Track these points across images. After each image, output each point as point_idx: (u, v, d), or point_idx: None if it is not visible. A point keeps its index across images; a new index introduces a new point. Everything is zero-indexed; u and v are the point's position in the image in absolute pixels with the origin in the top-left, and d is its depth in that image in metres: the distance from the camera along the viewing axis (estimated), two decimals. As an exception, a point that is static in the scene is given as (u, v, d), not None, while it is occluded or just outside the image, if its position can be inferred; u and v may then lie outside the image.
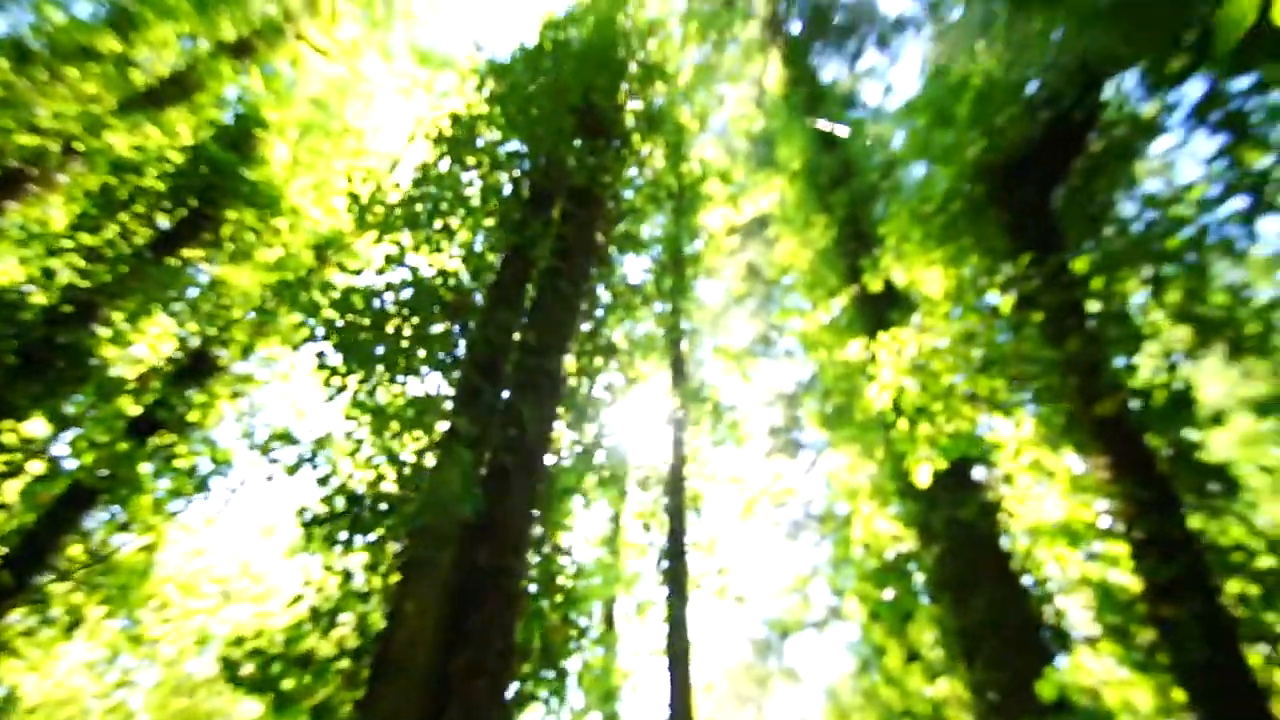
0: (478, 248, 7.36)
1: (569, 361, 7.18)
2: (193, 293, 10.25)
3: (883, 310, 7.91)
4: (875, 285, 7.10)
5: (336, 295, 5.54)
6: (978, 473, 7.69)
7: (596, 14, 10.03)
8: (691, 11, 12.64)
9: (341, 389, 6.36)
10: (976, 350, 4.95)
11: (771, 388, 16.44)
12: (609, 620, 10.21)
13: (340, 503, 4.85)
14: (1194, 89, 4.50)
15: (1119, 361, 4.41)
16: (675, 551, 8.83)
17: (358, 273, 5.94)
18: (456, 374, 6.62)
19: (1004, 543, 6.99)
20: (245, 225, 10.54)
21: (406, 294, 5.91)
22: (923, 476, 5.66)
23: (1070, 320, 4.55)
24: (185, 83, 13.00)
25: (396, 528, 4.61)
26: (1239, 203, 4.45)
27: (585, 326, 8.10)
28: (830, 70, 13.60)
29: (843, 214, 10.03)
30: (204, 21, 13.13)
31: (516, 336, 6.93)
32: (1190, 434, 4.38)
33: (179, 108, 13.26)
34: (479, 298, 6.80)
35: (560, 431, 6.79)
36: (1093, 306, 4.65)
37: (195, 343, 10.11)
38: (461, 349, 6.78)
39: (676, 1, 13.40)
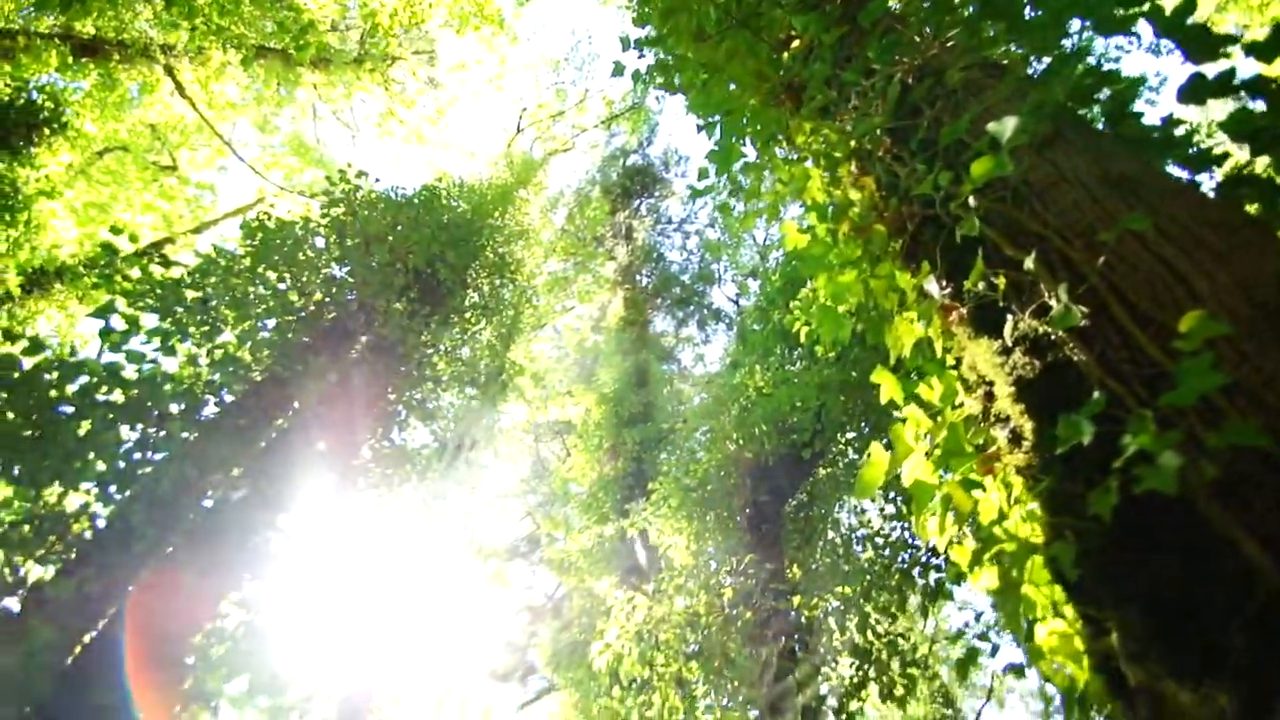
0: (240, 356, 6.42)
1: (283, 521, 6.06)
2: None
3: (641, 552, 8.08)
4: (633, 531, 7.34)
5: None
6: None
7: (478, 200, 10.79)
8: (564, 232, 14.20)
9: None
10: (694, 635, 5.13)
11: (522, 598, 15.36)
12: None
13: None
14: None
15: (805, 680, 4.83)
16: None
17: (24, 338, 4.70)
18: (126, 494, 5.20)
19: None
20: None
21: (110, 389, 4.76)
22: (620, 757, 5.28)
23: (771, 630, 5.00)
24: (-10, 45, 11.06)
25: None
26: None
27: (332, 480, 7.10)
28: (661, 323, 15.64)
29: (633, 450, 10.70)
30: (66, 6, 11.70)
31: (235, 472, 5.82)
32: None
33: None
34: (205, 412, 5.72)
35: (230, 608, 5.40)
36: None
37: None
38: (150, 465, 5.44)
39: (555, 219, 15.09)
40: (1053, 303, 1.56)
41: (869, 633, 5.00)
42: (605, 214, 14.83)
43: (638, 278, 15.39)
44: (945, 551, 2.24)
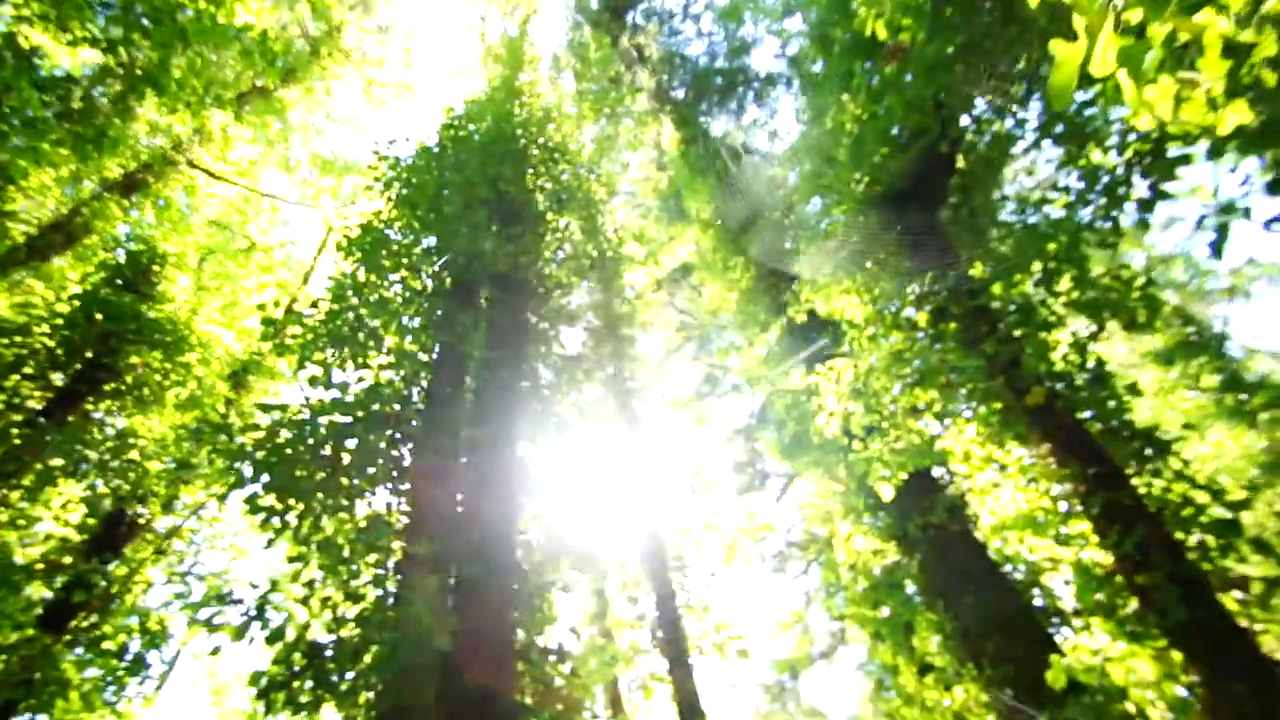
0: (408, 349, 7.22)
1: (522, 446, 7.04)
2: (99, 450, 9.50)
3: (813, 336, 8.23)
4: (800, 317, 7.42)
5: (261, 432, 5.25)
6: (939, 474, 7.95)
7: (493, 109, 10.40)
8: (582, 93, 13.32)
9: (282, 529, 5.96)
10: (907, 367, 5.23)
11: (726, 425, 16.61)
12: (615, 702, 9.70)
13: (298, 658, 4.44)
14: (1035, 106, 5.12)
15: (1033, 354, 4.78)
16: (668, 619, 8.55)
17: (274, 408, 5.64)
18: (406, 485, 6.36)
19: (979, 537, 7.19)
20: (150, 368, 9.95)
21: (338, 415, 5.67)
22: (886, 492, 5.79)
23: (982, 324, 4.90)
24: (70, 228, 12.38)
25: (368, 674, 4.25)
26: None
27: (533, 406, 7.98)
28: (719, 125, 14.50)
29: (757, 254, 10.52)
30: (87, 165, 12.64)
31: (463, 433, 6.78)
32: (1114, 407, 4.73)
33: (65, 255, 12.60)
34: (416, 400, 6.63)
35: (526, 523, 6.57)
36: (1000, 307, 5.06)
37: (108, 505, 9.28)
38: (407, 459, 6.54)
39: (566, 85, 14.12)
40: None
41: (1084, 282, 4.72)
42: (608, 48, 13.55)
43: (672, 93, 14.19)
44: (1173, 121, 2.01)
